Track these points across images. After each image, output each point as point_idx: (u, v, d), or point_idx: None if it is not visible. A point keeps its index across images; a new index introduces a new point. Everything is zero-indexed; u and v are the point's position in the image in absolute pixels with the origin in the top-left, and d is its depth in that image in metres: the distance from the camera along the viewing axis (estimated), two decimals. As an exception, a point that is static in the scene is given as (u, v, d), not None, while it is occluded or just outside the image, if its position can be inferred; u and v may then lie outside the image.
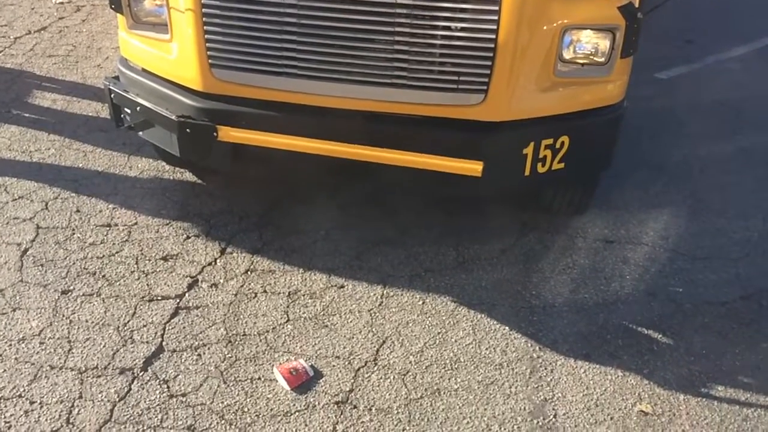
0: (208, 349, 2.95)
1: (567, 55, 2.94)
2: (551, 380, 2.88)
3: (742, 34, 6.72)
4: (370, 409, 2.71)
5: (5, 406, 2.65)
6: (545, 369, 2.94)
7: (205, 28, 2.94)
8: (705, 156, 4.61)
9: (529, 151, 2.99)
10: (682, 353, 3.05)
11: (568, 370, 2.94)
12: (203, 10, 2.90)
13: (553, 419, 2.71)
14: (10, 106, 4.83)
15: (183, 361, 2.89)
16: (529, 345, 3.05)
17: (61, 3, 6.76)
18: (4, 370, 2.80)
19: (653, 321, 3.21)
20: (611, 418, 2.73)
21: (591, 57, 2.97)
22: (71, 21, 6.37)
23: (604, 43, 2.94)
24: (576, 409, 2.76)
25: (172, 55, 3.13)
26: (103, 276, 3.32)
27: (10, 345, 2.92)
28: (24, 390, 2.72)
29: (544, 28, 2.85)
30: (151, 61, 3.27)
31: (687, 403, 2.81)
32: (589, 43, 2.95)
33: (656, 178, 4.32)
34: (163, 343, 2.96)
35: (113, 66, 4.99)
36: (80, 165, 4.18)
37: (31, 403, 2.67)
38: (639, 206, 4.03)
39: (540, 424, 2.69)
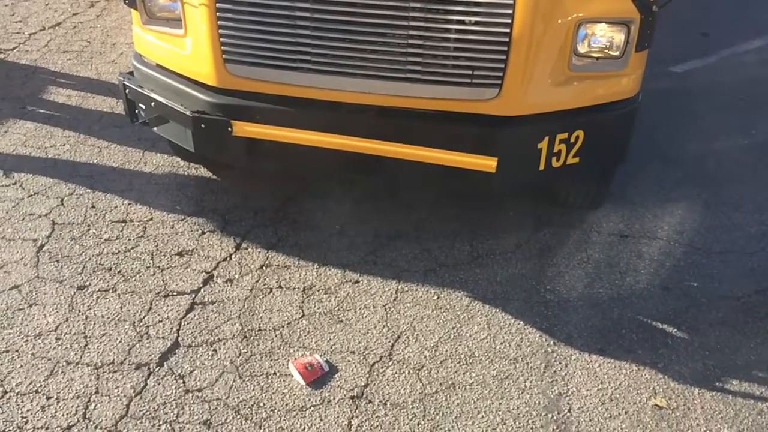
0: (224, 344, 2.96)
1: (582, 48, 2.93)
2: (566, 375, 2.88)
3: (759, 27, 6.66)
4: (385, 404, 2.72)
5: (22, 401, 2.67)
6: (560, 363, 2.93)
7: (218, 23, 2.94)
8: (721, 150, 4.58)
9: (543, 145, 2.98)
10: (697, 347, 3.04)
11: (583, 364, 2.93)
12: (217, 5, 2.90)
13: (568, 414, 2.71)
14: (25, 102, 4.86)
15: (198, 356, 2.90)
16: (544, 339, 3.04)
17: (75, -1, 6.79)
18: (21, 366, 2.82)
19: (668, 315, 3.20)
20: (626, 413, 2.72)
21: (606, 51, 2.95)
22: (85, 17, 6.40)
23: (619, 37, 2.93)
24: (591, 403, 2.76)
25: (186, 51, 3.13)
26: (119, 272, 3.33)
27: (27, 340, 2.94)
28: (41, 385, 2.74)
29: (559, 21, 2.83)
30: (165, 56, 3.28)
31: (702, 398, 2.80)
32: (604, 36, 2.93)
33: (672, 172, 4.30)
34: (179, 339, 2.98)
35: (128, 62, 5.03)
36: (95, 161, 4.20)
37: (48, 398, 2.69)
38: (654, 200, 4.01)
39: (555, 418, 2.69)
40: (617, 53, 2.96)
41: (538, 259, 3.51)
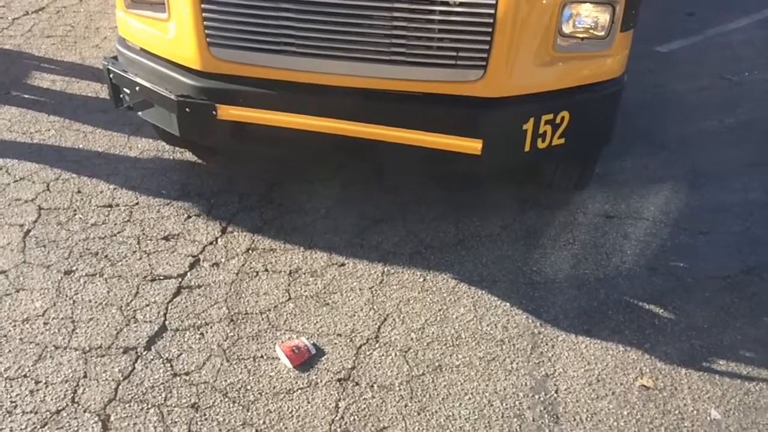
0: (211, 327, 2.97)
1: (566, 29, 2.92)
2: (552, 356, 2.90)
3: (745, 6, 6.67)
4: (372, 386, 2.73)
5: (11, 386, 2.67)
6: (546, 345, 2.95)
7: (202, 6, 2.92)
8: (705, 130, 4.60)
9: (529, 126, 2.98)
10: (684, 328, 3.06)
11: (570, 345, 2.95)
12: (200, -12, 2.88)
13: (555, 395, 2.73)
14: (9, 87, 4.82)
15: (186, 340, 2.90)
16: (530, 321, 3.06)
17: (59, -18, 6.72)
18: (9, 351, 2.82)
19: (654, 296, 3.22)
20: (613, 393, 2.75)
21: (591, 31, 2.95)
22: (69, 1, 6.34)
23: (604, 17, 2.92)
24: (577, 384, 2.78)
25: (170, 35, 3.11)
26: (106, 256, 3.33)
27: (15, 325, 2.94)
28: (29, 370, 2.74)
29: (544, 2, 2.82)
30: (149, 40, 3.25)
31: (689, 378, 2.82)
32: (589, 17, 2.93)
33: (657, 152, 4.31)
34: (166, 323, 2.98)
35: (112, 46, 4.97)
36: (80, 146, 4.18)
37: (37, 382, 2.69)
38: (639, 181, 4.03)
39: (541, 399, 2.71)
40: (602, 33, 2.95)
41: (524, 241, 3.53)
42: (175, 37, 3.09)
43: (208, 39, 2.98)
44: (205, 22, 2.95)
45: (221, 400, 2.65)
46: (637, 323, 3.07)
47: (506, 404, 2.68)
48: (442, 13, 2.76)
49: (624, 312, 3.13)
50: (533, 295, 3.19)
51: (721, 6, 6.72)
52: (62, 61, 5.23)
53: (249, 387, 2.71)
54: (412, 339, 2.95)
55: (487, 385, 2.76)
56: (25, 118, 4.45)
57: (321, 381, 2.75)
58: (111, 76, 3.39)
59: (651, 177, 4.07)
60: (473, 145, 2.88)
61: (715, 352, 2.95)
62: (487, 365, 2.84)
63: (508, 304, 3.14)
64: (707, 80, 5.25)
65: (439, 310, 3.10)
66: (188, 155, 4.10)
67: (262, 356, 2.84)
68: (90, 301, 3.08)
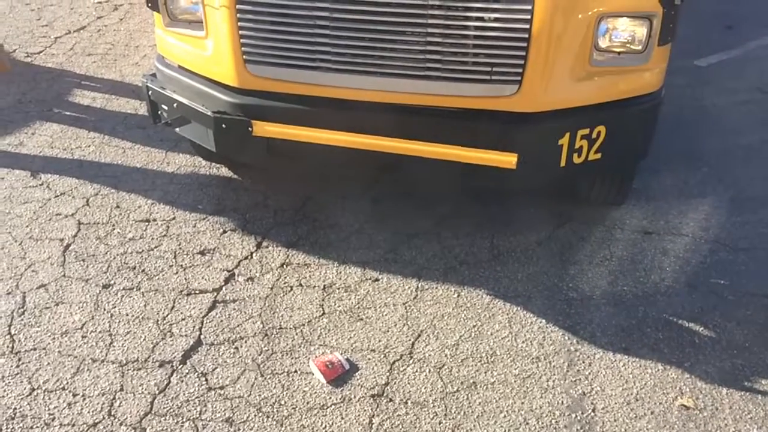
0: (245, 342, 2.98)
1: (603, 43, 2.90)
2: (589, 374, 2.85)
3: (785, 20, 6.56)
4: (406, 403, 2.72)
5: (49, 399, 2.71)
6: (583, 362, 2.90)
7: (239, 24, 2.96)
8: (746, 145, 4.51)
9: (564, 141, 2.95)
10: (724, 346, 2.99)
11: (607, 363, 2.90)
12: (237, 6, 2.92)
13: (592, 413, 2.68)
14: (51, 105, 4.93)
15: (221, 354, 2.92)
16: (567, 338, 3.02)
17: (100, 2, 6.88)
18: (48, 363, 2.86)
19: (694, 313, 3.16)
20: (652, 413, 2.69)
21: (627, 45, 2.92)
22: (109, 20, 6.48)
23: (641, 31, 2.89)
24: (615, 403, 2.73)
25: (207, 52, 3.15)
26: (143, 270, 3.37)
27: (54, 338, 2.98)
28: (67, 383, 2.78)
29: (579, 16, 2.81)
30: (187, 58, 3.30)
31: (730, 397, 2.76)
32: (626, 31, 2.90)
33: (696, 167, 4.24)
34: (201, 337, 3.00)
35: (150, 63, 5.08)
36: (119, 161, 4.25)
37: (74, 395, 2.73)
38: (678, 197, 3.97)
39: (578, 418, 2.66)
40: (639, 48, 2.92)
41: (559, 257, 3.49)
42: (212, 54, 3.13)
43: (244, 56, 3.02)
44: (241, 40, 2.99)
45: (255, 415, 2.65)
46: (677, 341, 3.01)
47: (542, 423, 2.64)
48: (477, 28, 2.76)
49: (663, 330, 3.07)
50: (569, 312, 3.15)
51: (761, 19, 6.61)
52: (103, 79, 5.34)
53: (283, 402, 2.71)
54: (446, 355, 2.92)
55: (522, 403, 2.72)
56: (66, 135, 4.54)
57: (354, 397, 2.74)
58: (150, 92, 3.45)
59: (690, 192, 4.01)
60: (508, 159, 2.86)
61: (757, 371, 2.87)
62: (523, 383, 2.81)
63: (543, 320, 3.10)
64: (746, 94, 5.16)
65: (474, 326, 3.07)
66: (224, 171, 4.15)
67: (295, 371, 2.84)
68: (127, 314, 3.11)
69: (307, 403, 2.71)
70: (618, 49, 2.93)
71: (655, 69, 3.05)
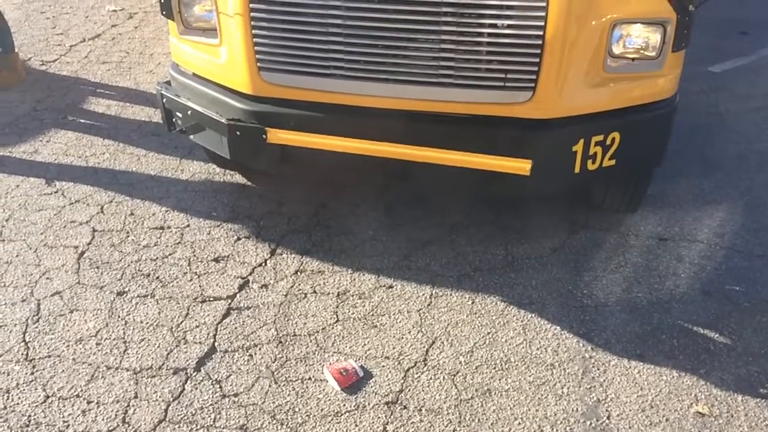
0: (260, 349, 2.98)
1: (617, 50, 2.89)
2: (604, 381, 2.84)
3: (800, 25, 6.53)
4: (421, 410, 2.71)
5: (64, 406, 2.72)
6: (598, 369, 2.89)
7: (253, 32, 2.97)
8: (762, 151, 4.49)
9: (578, 148, 2.95)
10: (740, 353, 2.97)
11: (622, 370, 2.89)
12: (251, 14, 2.93)
13: (607, 421, 2.67)
14: (66, 113, 4.97)
15: (235, 361, 2.92)
16: (581, 345, 3.00)
17: (114, 11, 6.93)
18: (63, 371, 2.88)
19: (709, 320, 3.14)
20: (667, 420, 2.67)
21: (641, 51, 2.91)
22: (124, 28, 6.52)
23: (655, 37, 2.89)
24: (630, 410, 2.71)
25: (221, 60, 3.17)
26: (157, 277, 3.38)
27: (68, 346, 3.00)
28: (82, 390, 2.79)
29: (593, 23, 2.80)
30: (201, 65, 3.32)
31: (745, 404, 2.73)
32: (640, 37, 2.90)
33: (711, 174, 4.22)
34: (216, 344, 3.01)
35: (165, 71, 5.11)
36: (134, 169, 4.27)
37: (89, 402, 2.74)
38: (693, 203, 3.95)
39: (593, 425, 2.65)
40: (653, 54, 2.92)
41: (574, 263, 3.48)
42: (226, 62, 3.14)
43: (258, 63, 3.03)
44: (255, 47, 3.00)
45: (269, 422, 2.65)
46: (692, 348, 2.99)
47: (557, 430, 2.63)
48: (490, 35, 2.76)
49: (678, 336, 3.05)
50: (584, 319, 3.14)
51: (776, 24, 6.59)
52: (117, 87, 5.38)
53: (297, 409, 2.71)
54: (460, 362, 2.92)
55: (537, 410, 2.71)
56: (81, 142, 4.57)
57: (369, 404, 2.73)
58: (164, 100, 3.47)
59: (705, 199, 3.99)
60: (522, 166, 2.86)
61: (773, 378, 2.86)
62: (537, 390, 2.80)
63: (558, 327, 3.09)
64: (761, 101, 5.14)
65: (488, 333, 3.06)
66: (238, 178, 4.16)
67: (310, 378, 2.84)
68: (141, 321, 3.12)
69: (322, 410, 2.71)
70: (632, 56, 2.92)
71: (669, 75, 3.04)
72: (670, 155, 3.35)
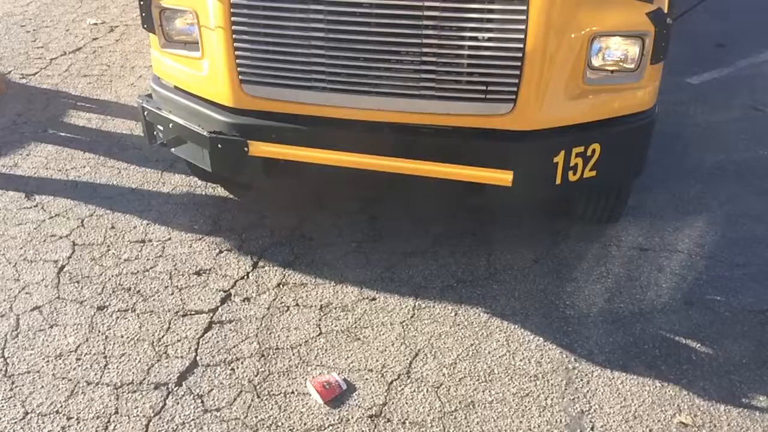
0: (242, 363, 2.96)
1: (596, 62, 2.92)
2: (587, 392, 2.84)
3: (776, 37, 6.62)
4: (404, 423, 2.70)
5: (43, 422, 2.68)
6: (581, 380, 2.90)
7: (235, 44, 2.97)
8: (740, 161, 4.54)
9: (559, 159, 2.97)
10: (722, 363, 2.99)
11: (605, 381, 2.89)
12: (233, 27, 2.94)
13: (591, 431, 2.67)
14: (46, 126, 4.93)
15: (217, 375, 2.90)
16: (564, 356, 3.01)
17: (95, 24, 6.90)
18: (42, 386, 2.84)
19: (691, 330, 3.16)
20: (650, 430, 2.68)
21: (620, 64, 2.95)
22: (105, 41, 6.50)
23: (634, 50, 2.92)
24: (614, 421, 2.72)
25: (203, 72, 3.16)
26: (138, 291, 3.35)
27: (48, 361, 2.96)
28: (61, 406, 2.75)
29: (573, 35, 2.83)
30: (182, 78, 3.31)
31: (728, 414, 2.75)
32: (619, 50, 2.93)
33: (690, 184, 4.26)
34: (197, 358, 2.98)
35: (146, 84, 5.08)
36: (115, 182, 4.25)
37: (68, 418, 2.70)
38: (674, 213, 3.98)
39: (576, 436, 2.65)
40: (632, 66, 2.95)
41: (556, 274, 3.49)
42: (208, 74, 3.14)
43: (240, 76, 3.03)
44: (237, 60, 3.00)
45: (252, 437, 2.63)
46: (674, 358, 3.01)
47: (541, 442, 2.63)
48: (471, 47, 2.78)
49: (660, 347, 3.07)
50: (567, 330, 3.14)
51: (752, 37, 6.67)
52: (98, 100, 5.35)
53: (280, 423, 2.69)
54: (444, 374, 2.91)
55: (521, 422, 2.71)
56: (61, 156, 4.54)
57: (352, 417, 2.72)
58: (145, 113, 3.45)
59: (685, 209, 4.02)
60: (504, 177, 2.87)
61: (754, 387, 2.87)
62: (521, 401, 2.79)
63: (541, 338, 3.10)
64: (739, 111, 5.20)
65: (471, 345, 3.06)
66: (220, 190, 4.15)
67: (293, 392, 2.83)
68: (122, 336, 3.09)
69: (305, 424, 2.69)
70: (611, 68, 2.95)
71: (648, 87, 3.07)
72: (650, 166, 3.38)
